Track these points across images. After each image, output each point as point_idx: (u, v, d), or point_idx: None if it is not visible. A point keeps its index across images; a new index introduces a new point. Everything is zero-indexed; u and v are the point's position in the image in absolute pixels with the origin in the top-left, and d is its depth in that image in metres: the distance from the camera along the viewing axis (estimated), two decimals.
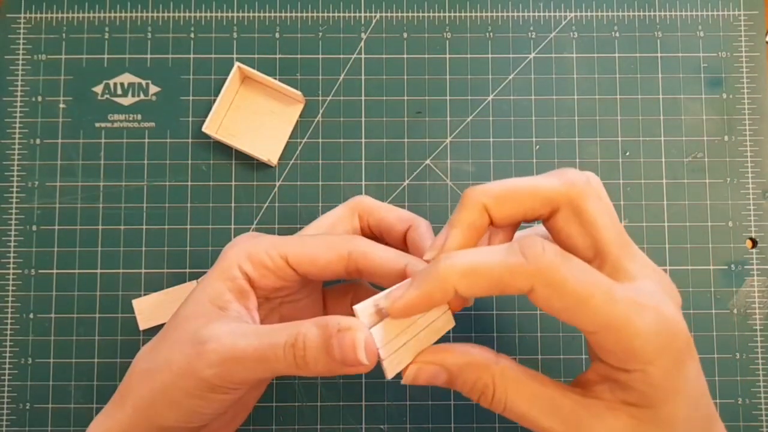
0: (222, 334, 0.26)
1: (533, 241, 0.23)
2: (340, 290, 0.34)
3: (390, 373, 0.25)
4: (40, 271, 0.38)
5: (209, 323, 0.27)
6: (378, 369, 0.39)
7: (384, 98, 0.40)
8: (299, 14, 0.41)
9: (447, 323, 0.27)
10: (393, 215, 0.31)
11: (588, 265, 0.24)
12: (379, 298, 0.25)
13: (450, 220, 0.26)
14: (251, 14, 0.41)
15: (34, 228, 0.39)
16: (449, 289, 0.23)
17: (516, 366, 0.26)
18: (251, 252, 0.28)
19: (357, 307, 0.25)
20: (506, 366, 0.26)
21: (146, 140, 0.39)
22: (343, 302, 0.34)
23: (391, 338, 0.25)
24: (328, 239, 0.29)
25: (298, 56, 0.40)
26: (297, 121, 0.40)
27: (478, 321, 0.38)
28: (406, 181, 0.39)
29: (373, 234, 0.32)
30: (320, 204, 0.39)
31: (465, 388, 0.26)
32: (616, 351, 0.24)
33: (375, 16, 0.41)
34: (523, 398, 0.25)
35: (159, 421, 0.27)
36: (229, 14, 0.40)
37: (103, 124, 0.40)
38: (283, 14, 0.41)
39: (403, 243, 0.31)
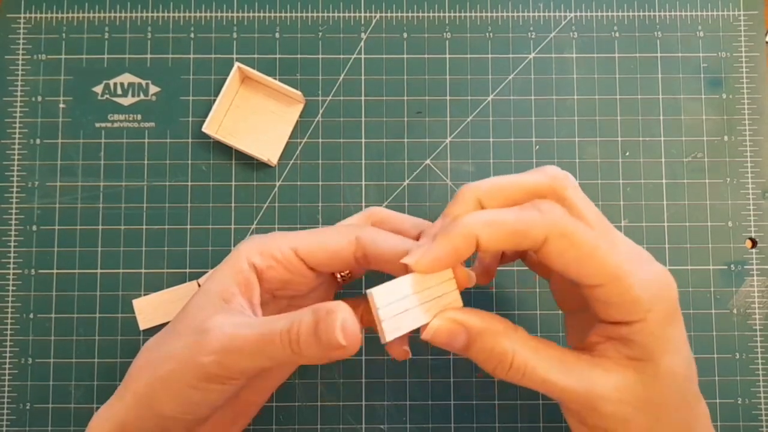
0: (224, 324, 0.27)
1: (544, 201, 0.26)
2: (350, 303, 0.34)
3: (388, 336, 0.25)
4: (40, 271, 0.38)
5: (213, 315, 0.27)
6: (379, 369, 0.39)
7: (384, 98, 0.40)
8: (299, 14, 0.41)
9: (455, 302, 0.27)
10: (407, 222, 0.33)
11: (587, 226, 0.26)
12: (393, 284, 0.26)
13: (444, 212, 0.27)
14: (251, 14, 0.41)
15: (34, 228, 0.39)
16: (472, 239, 0.25)
17: (530, 336, 0.27)
18: (262, 244, 0.29)
19: (372, 291, 0.25)
20: (525, 335, 0.27)
21: (146, 140, 0.39)
22: (354, 314, 0.34)
23: (391, 301, 0.25)
24: (338, 227, 0.31)
25: (298, 56, 0.40)
26: (297, 121, 0.40)
27: None
28: (406, 181, 0.39)
29: None
30: (320, 204, 0.39)
31: (481, 354, 0.26)
32: (619, 302, 0.25)
33: (375, 17, 0.41)
34: (541, 364, 0.26)
35: (158, 410, 0.27)
36: (229, 14, 0.40)
37: (103, 124, 0.40)
38: (283, 14, 0.41)
39: None
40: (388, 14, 0.41)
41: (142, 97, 0.40)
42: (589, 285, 0.25)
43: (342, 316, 0.25)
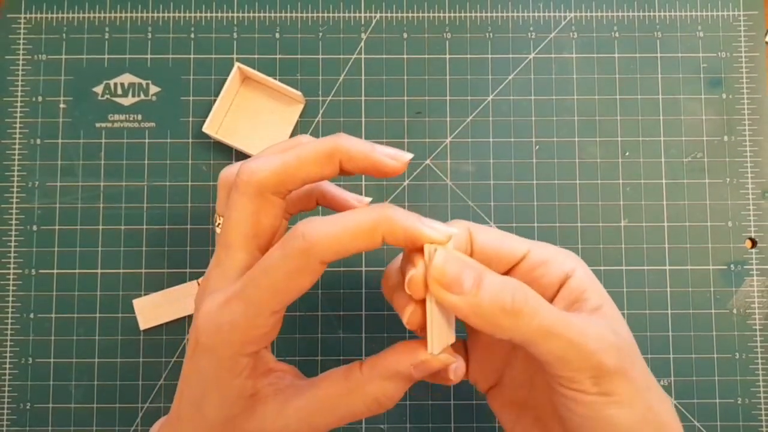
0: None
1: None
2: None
3: (436, 349, 0.24)
4: (40, 271, 0.38)
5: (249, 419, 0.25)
6: None
7: (384, 98, 0.40)
8: (299, 14, 0.41)
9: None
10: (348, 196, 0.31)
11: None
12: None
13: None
14: (251, 14, 0.41)
15: (35, 228, 0.39)
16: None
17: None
18: (241, 336, 0.24)
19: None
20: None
21: (146, 140, 0.39)
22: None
23: (441, 320, 0.25)
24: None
25: (298, 56, 0.40)
26: (297, 121, 0.40)
27: None
28: (406, 181, 0.39)
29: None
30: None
31: (491, 290, 0.25)
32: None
33: (375, 17, 0.41)
34: (552, 308, 0.24)
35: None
36: (230, 14, 0.41)
37: (103, 124, 0.40)
38: (283, 14, 0.41)
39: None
40: (388, 14, 0.41)
41: (142, 97, 0.40)
42: None
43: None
